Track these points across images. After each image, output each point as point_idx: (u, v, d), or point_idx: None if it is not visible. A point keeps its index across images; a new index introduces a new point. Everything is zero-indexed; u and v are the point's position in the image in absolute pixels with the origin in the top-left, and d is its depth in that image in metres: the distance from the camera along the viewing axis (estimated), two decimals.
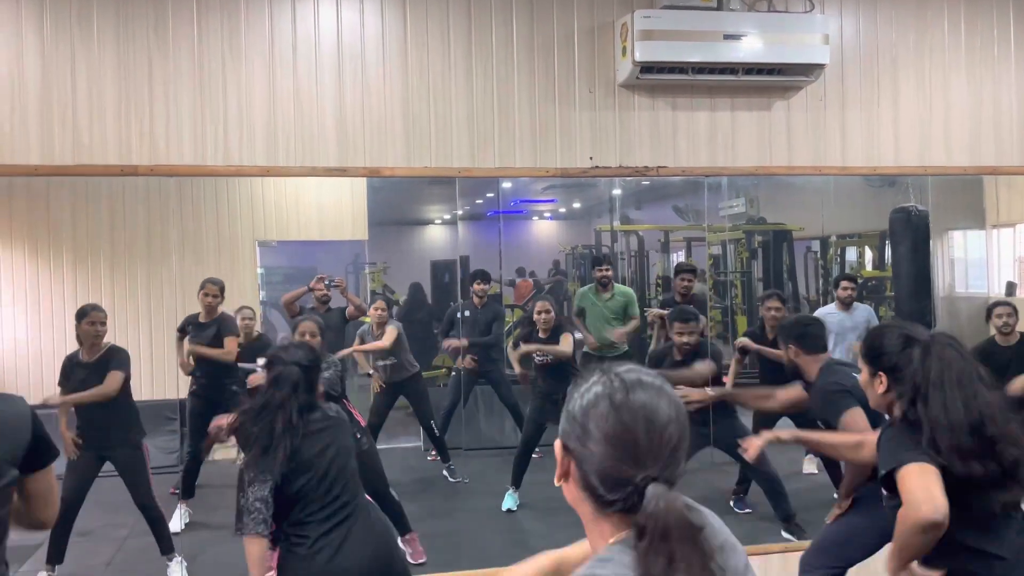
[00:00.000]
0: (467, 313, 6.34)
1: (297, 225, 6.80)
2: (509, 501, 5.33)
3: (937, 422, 2.01)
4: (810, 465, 5.82)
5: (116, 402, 4.17)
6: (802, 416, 4.71)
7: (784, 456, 5.66)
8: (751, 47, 4.10)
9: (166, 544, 4.26)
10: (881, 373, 2.25)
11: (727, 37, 4.07)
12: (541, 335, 5.34)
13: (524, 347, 5.36)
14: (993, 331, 4.97)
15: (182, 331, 5.11)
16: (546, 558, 1.62)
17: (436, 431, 5.97)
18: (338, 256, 8.02)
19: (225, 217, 6.44)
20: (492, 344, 6.38)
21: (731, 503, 5.17)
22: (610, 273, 6.24)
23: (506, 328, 8.12)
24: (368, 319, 5.87)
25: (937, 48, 4.57)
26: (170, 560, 4.25)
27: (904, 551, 2.03)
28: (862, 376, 2.34)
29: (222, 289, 5.12)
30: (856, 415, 2.89)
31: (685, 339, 4.60)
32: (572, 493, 1.18)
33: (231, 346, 4.98)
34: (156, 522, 4.25)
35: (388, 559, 2.75)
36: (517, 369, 5.67)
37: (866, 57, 4.49)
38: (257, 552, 2.57)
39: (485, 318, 6.31)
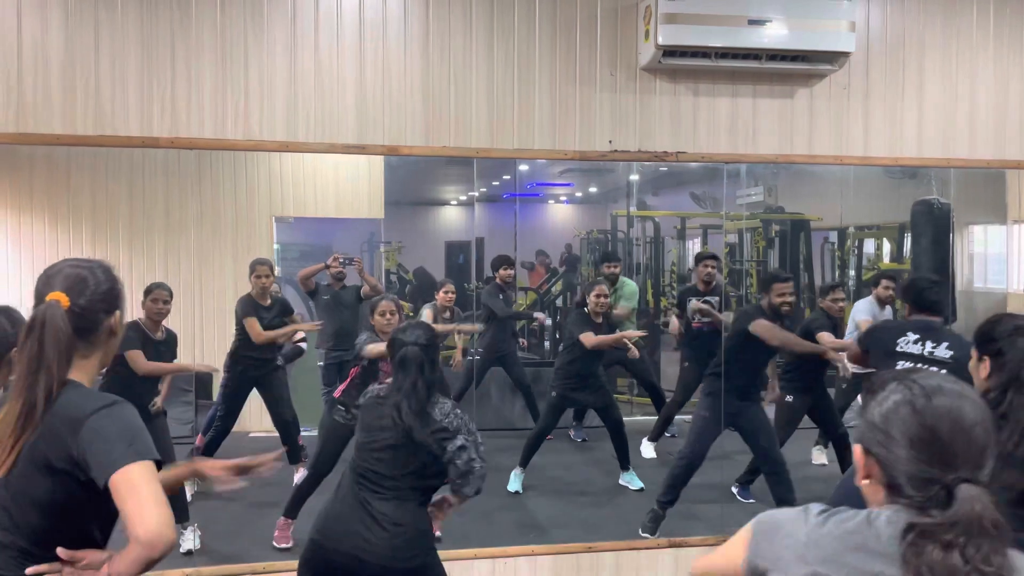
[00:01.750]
0: (501, 297, 6.38)
1: (314, 202, 6.82)
2: (515, 482, 5.36)
3: (1013, 418, 2.05)
4: (820, 456, 5.81)
5: (138, 376, 4.25)
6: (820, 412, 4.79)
7: (796, 445, 5.67)
8: (775, 33, 4.05)
9: (181, 512, 4.31)
10: (986, 357, 2.28)
11: (751, 22, 4.02)
12: (597, 320, 5.35)
13: (603, 339, 5.30)
14: None
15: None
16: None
17: None
18: (354, 234, 8.04)
19: (243, 192, 6.46)
20: (508, 324, 6.42)
21: (733, 489, 5.18)
22: (618, 270, 6.29)
23: (520, 310, 8.14)
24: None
25: (964, 39, 4.50)
26: (184, 528, 4.30)
27: None
28: (972, 361, 2.37)
29: (272, 268, 5.23)
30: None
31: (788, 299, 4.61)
32: (874, 491, 1.26)
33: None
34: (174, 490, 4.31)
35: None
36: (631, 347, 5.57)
37: (892, 46, 4.43)
38: None
39: (508, 300, 6.42)
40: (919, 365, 3.36)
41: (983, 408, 1.22)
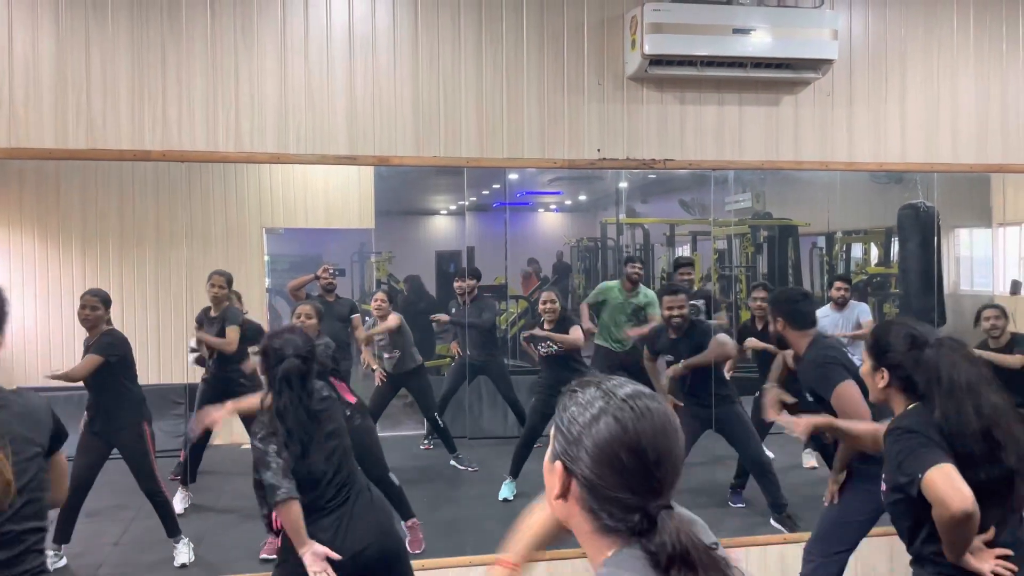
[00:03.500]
0: (453, 309, 6.43)
1: (304, 213, 6.84)
2: (506, 491, 5.37)
3: (949, 430, 2.05)
4: (809, 459, 5.85)
5: (115, 387, 4.20)
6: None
7: (783, 450, 5.70)
8: (760, 41, 4.11)
9: (172, 527, 4.31)
10: (884, 369, 2.27)
11: (736, 31, 4.08)
12: (546, 326, 5.37)
13: (536, 331, 5.36)
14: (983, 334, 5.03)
15: (198, 324, 5.15)
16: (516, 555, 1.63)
17: (440, 423, 6.01)
18: (344, 244, 8.05)
19: (233, 204, 6.48)
20: (488, 335, 6.41)
21: (728, 497, 5.21)
22: (642, 272, 6.33)
23: (511, 317, 8.16)
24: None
25: (945, 45, 4.57)
26: (177, 542, 4.29)
27: (954, 546, 2.07)
28: (863, 367, 2.37)
29: (229, 281, 5.15)
30: (850, 388, 2.94)
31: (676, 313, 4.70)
32: (568, 511, 1.13)
33: (232, 336, 5.01)
34: (162, 506, 4.29)
35: (387, 539, 2.80)
36: (528, 348, 5.72)
37: (874, 53, 4.50)
38: (295, 514, 2.59)
39: (473, 313, 6.34)
40: None
41: (677, 423, 1.11)
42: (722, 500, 5.18)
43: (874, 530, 3.18)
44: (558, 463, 1.12)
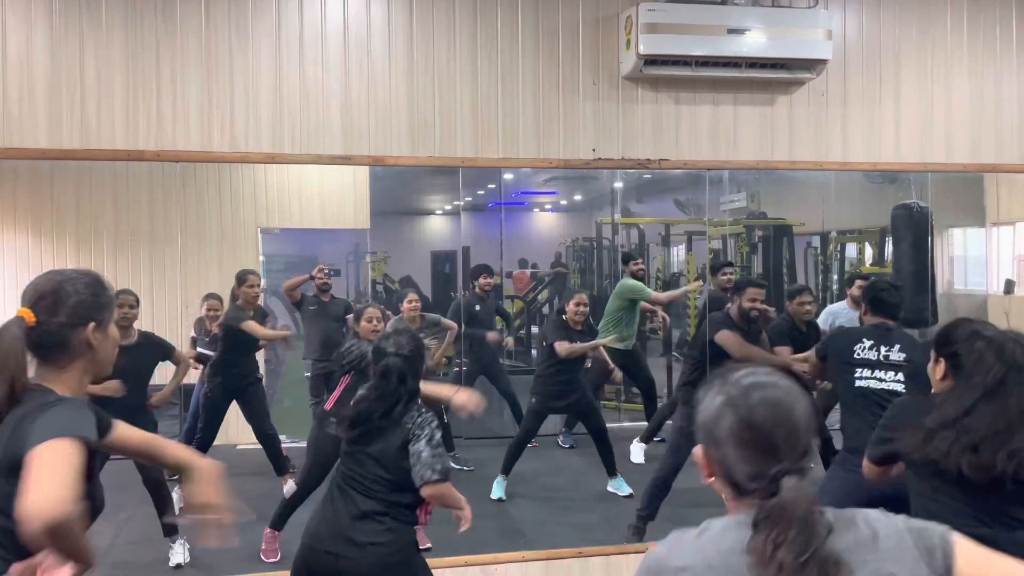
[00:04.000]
0: (477, 308, 6.39)
1: (299, 213, 6.83)
2: (498, 490, 5.38)
3: (966, 422, 2.10)
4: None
5: (127, 384, 4.22)
6: None
7: None
8: (754, 41, 4.12)
9: (170, 527, 4.30)
10: (942, 360, 2.31)
11: (731, 31, 4.09)
12: (577, 328, 5.39)
13: (577, 347, 5.36)
14: None
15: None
16: None
17: (445, 419, 6.02)
18: (339, 244, 8.04)
19: (228, 203, 6.47)
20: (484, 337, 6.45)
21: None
22: (643, 268, 6.40)
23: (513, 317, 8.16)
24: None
25: (939, 45, 4.58)
26: (173, 542, 4.29)
27: None
28: (930, 363, 2.40)
29: (260, 278, 5.29)
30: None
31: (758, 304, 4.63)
32: (719, 486, 1.32)
33: (258, 328, 5.15)
34: (163, 499, 4.28)
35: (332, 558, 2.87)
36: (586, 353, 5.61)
37: (868, 53, 4.51)
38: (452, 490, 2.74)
39: (491, 310, 6.40)
40: (876, 371, 3.48)
41: (800, 396, 1.27)
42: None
43: None
44: (698, 448, 1.33)
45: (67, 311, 1.71)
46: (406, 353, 2.77)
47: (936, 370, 2.34)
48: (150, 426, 4.32)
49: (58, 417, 1.58)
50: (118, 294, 4.30)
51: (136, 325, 4.42)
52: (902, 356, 3.47)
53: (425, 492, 2.68)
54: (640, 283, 6.36)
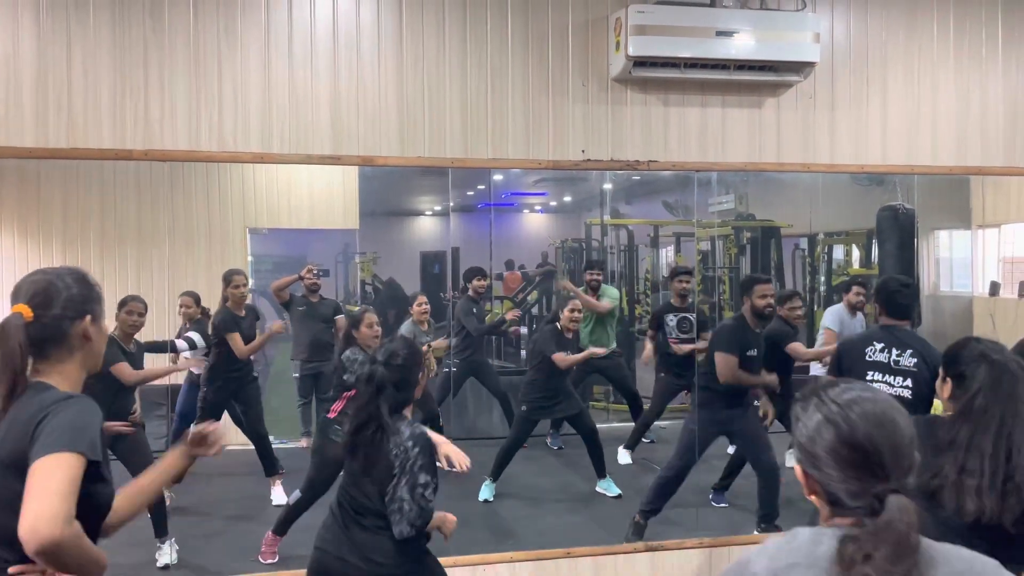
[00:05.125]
0: (474, 310, 6.40)
1: (288, 213, 6.81)
2: (486, 492, 5.39)
3: (967, 447, 2.09)
4: (792, 460, 5.90)
5: (120, 387, 4.21)
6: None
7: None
8: (743, 44, 4.14)
9: (161, 527, 4.28)
10: (949, 379, 2.30)
11: (719, 33, 4.11)
12: (568, 336, 5.42)
13: (575, 358, 5.41)
14: None
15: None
16: None
17: (438, 421, 6.03)
18: (328, 245, 8.03)
19: (216, 203, 6.44)
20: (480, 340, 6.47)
21: (710, 497, 5.24)
22: (600, 277, 6.39)
23: (496, 319, 8.16)
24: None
25: (926, 49, 4.62)
26: (162, 543, 4.27)
27: None
28: (938, 380, 2.40)
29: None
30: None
31: (770, 300, 4.64)
32: (819, 504, 1.30)
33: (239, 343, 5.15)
34: (156, 504, 4.27)
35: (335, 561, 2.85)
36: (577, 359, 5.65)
37: (855, 56, 4.54)
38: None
39: (480, 312, 6.42)
40: (887, 376, 3.45)
41: (900, 410, 1.25)
42: (707, 499, 5.21)
43: None
44: (798, 466, 1.31)
45: (62, 305, 1.73)
46: (399, 363, 2.67)
47: (944, 388, 2.33)
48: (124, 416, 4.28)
49: (68, 422, 1.58)
50: (129, 300, 4.36)
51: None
52: (912, 362, 3.43)
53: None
54: (582, 295, 6.35)
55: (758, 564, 1.25)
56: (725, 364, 4.49)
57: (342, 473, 2.82)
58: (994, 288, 7.04)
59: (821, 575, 1.18)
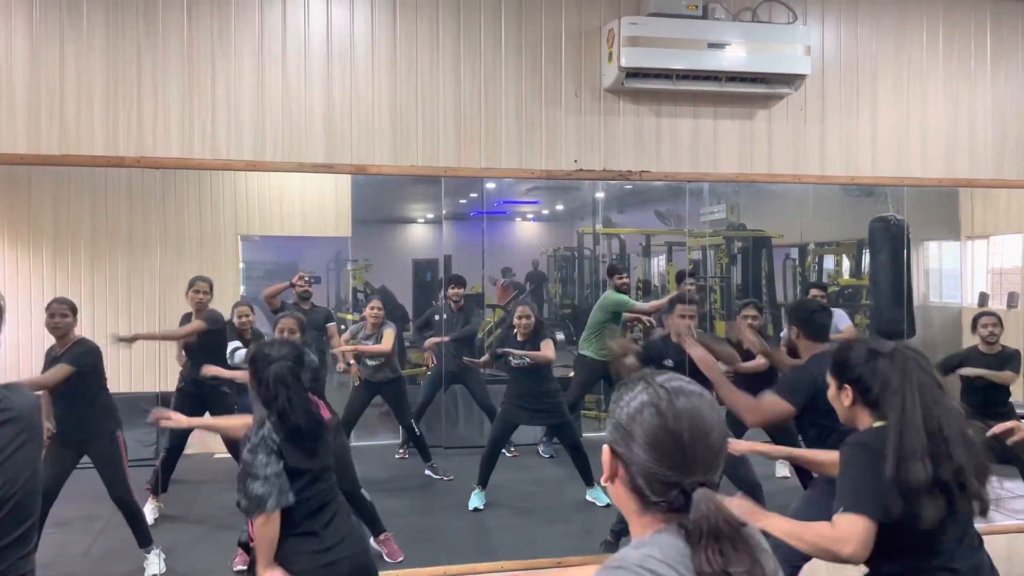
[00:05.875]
0: (444, 316, 6.40)
1: (280, 220, 6.79)
2: (476, 500, 5.37)
3: (899, 426, 2.07)
4: (782, 468, 5.91)
5: (87, 396, 4.16)
6: (778, 430, 4.79)
7: (756, 459, 5.75)
8: (734, 56, 4.17)
9: (144, 537, 4.25)
10: (847, 386, 2.28)
11: (711, 45, 4.13)
12: (520, 339, 5.40)
13: (509, 349, 5.40)
14: (978, 340, 5.17)
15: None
16: None
17: (417, 431, 6.01)
18: (321, 252, 8.01)
19: (208, 211, 6.42)
20: (467, 344, 6.43)
21: None
22: (627, 281, 6.46)
23: (488, 327, 8.16)
24: (350, 316, 5.90)
25: (915, 62, 4.66)
26: (148, 552, 4.24)
27: (805, 548, 2.14)
28: (830, 391, 2.35)
29: (211, 286, 5.15)
30: (776, 401, 3.15)
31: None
32: (618, 492, 1.26)
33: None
34: (133, 516, 4.24)
35: (363, 555, 2.81)
36: (483, 359, 5.84)
37: (846, 69, 4.58)
38: (273, 530, 2.55)
39: (461, 321, 6.38)
40: None
41: (719, 412, 1.24)
42: None
43: None
44: (606, 447, 1.26)
45: None
46: (293, 359, 2.70)
47: (842, 397, 2.29)
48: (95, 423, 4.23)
49: None
50: (50, 303, 4.20)
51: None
52: None
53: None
54: (624, 296, 6.42)
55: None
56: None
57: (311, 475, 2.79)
58: (983, 299, 7.08)
59: None
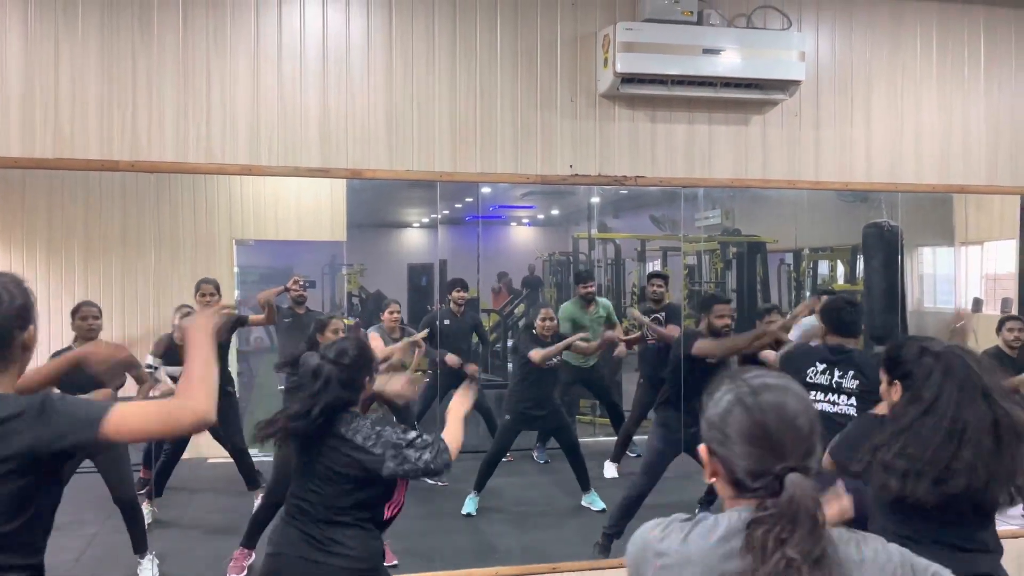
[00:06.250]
0: (447, 322, 6.38)
1: (275, 224, 6.78)
2: (470, 505, 5.37)
3: (913, 433, 2.11)
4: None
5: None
6: None
7: None
8: (729, 62, 4.18)
9: (140, 542, 4.23)
10: (897, 382, 2.31)
11: (706, 51, 4.15)
12: (547, 340, 5.41)
13: (549, 350, 5.34)
14: (1001, 342, 5.22)
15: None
16: None
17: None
18: (315, 257, 8.00)
19: (203, 215, 6.41)
20: (465, 346, 6.44)
21: (696, 511, 5.24)
22: (594, 289, 6.43)
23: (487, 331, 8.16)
24: (347, 321, 5.88)
25: (909, 68, 4.68)
26: (142, 558, 4.22)
27: None
28: (882, 385, 2.40)
29: (217, 287, 5.16)
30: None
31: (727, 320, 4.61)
32: (722, 488, 1.33)
33: None
34: (135, 519, 4.22)
35: None
36: (551, 354, 5.53)
37: (840, 75, 4.60)
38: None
39: (464, 326, 6.38)
40: (829, 395, 3.50)
41: (806, 400, 1.31)
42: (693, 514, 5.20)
43: None
44: (703, 446, 1.34)
45: (13, 313, 1.70)
46: (346, 361, 2.63)
47: (892, 392, 2.33)
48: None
49: (79, 400, 1.69)
50: (80, 306, 4.25)
51: (104, 336, 4.37)
52: (855, 384, 3.47)
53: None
54: (573, 309, 6.38)
55: (661, 542, 1.30)
56: (709, 346, 4.47)
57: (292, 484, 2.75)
58: (977, 304, 7.10)
59: (711, 568, 1.21)
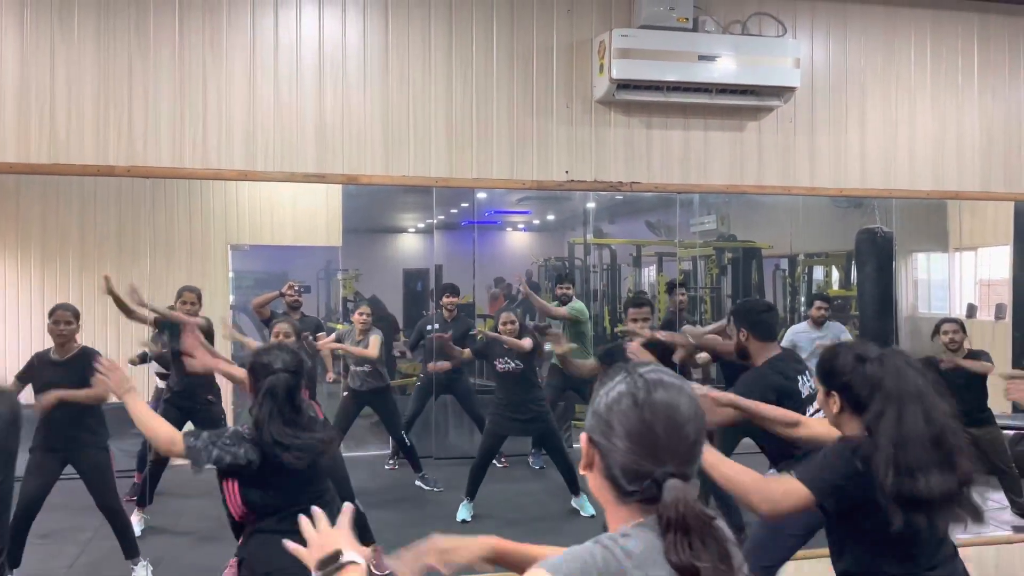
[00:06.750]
0: (437, 326, 6.38)
1: (271, 229, 6.78)
2: (464, 512, 5.36)
3: (900, 437, 2.00)
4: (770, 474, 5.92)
5: (82, 404, 4.13)
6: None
7: (750, 465, 5.76)
8: (725, 68, 4.20)
9: (131, 549, 4.22)
10: (835, 392, 2.20)
11: (702, 58, 4.16)
12: (506, 346, 5.41)
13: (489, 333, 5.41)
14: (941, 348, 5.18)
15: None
16: (495, 541, 1.71)
17: (407, 442, 5.98)
18: (311, 262, 7.99)
19: (198, 220, 6.40)
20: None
21: None
22: (571, 291, 6.44)
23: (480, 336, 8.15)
24: (339, 326, 5.89)
25: (903, 75, 4.70)
26: (135, 564, 4.20)
27: (734, 484, 2.15)
28: (819, 397, 2.30)
29: (199, 296, 5.13)
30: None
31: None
32: (595, 481, 1.26)
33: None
34: (121, 526, 4.21)
35: None
36: (460, 353, 5.79)
37: (835, 82, 4.61)
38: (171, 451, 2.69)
39: (456, 332, 6.36)
40: (810, 406, 3.21)
41: (698, 403, 1.24)
42: None
43: (813, 551, 3.19)
44: (584, 435, 1.27)
45: None
46: (292, 368, 2.65)
47: (830, 404, 2.21)
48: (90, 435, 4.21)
49: None
50: (55, 309, 4.20)
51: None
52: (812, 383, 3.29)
53: None
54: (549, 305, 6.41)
55: None
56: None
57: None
58: (971, 310, 7.12)
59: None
